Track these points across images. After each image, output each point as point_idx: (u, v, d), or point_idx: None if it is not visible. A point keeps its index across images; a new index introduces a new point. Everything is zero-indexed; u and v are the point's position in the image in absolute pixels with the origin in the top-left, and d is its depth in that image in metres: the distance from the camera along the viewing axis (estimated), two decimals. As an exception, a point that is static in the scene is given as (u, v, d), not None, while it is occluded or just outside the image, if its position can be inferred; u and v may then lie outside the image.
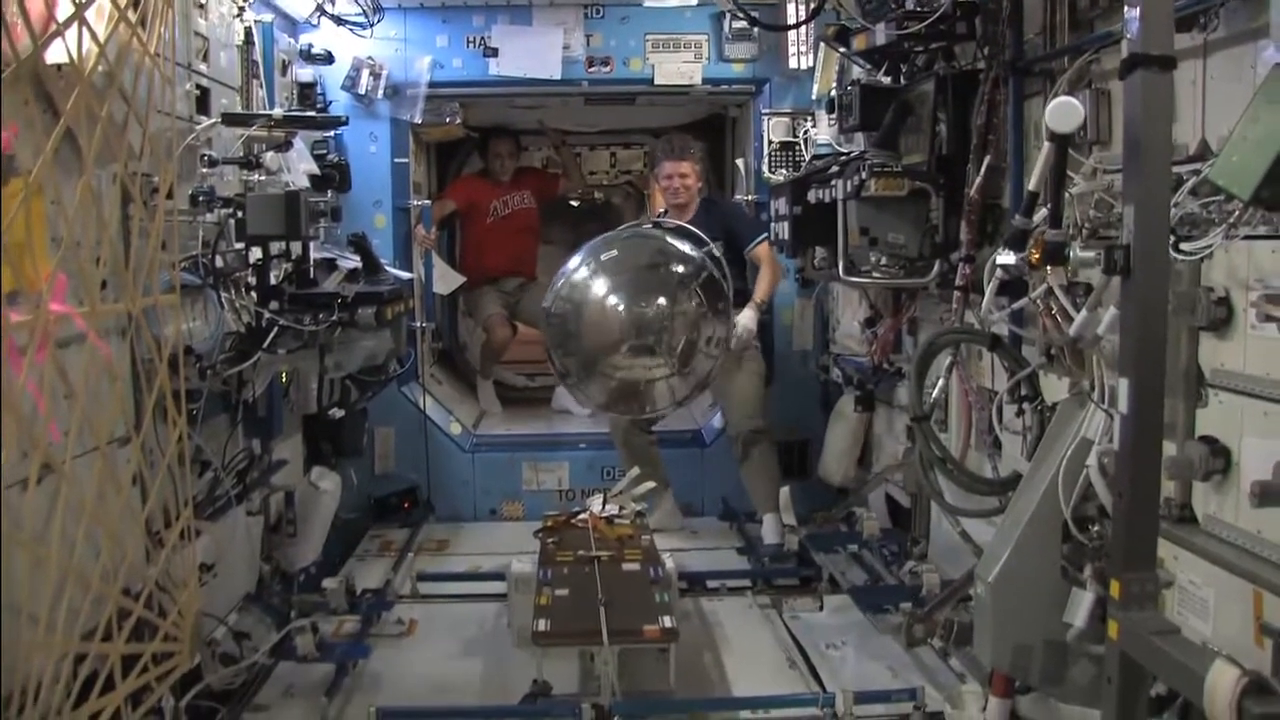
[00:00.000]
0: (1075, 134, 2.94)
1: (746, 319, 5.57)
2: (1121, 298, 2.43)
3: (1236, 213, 2.48)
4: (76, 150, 2.88)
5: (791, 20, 5.72)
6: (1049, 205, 3.01)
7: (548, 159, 8.94)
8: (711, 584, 5.38)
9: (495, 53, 6.36)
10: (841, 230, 4.35)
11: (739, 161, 7.04)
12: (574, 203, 10.03)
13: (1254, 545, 2.61)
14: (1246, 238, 2.55)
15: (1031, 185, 3.02)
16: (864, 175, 4.03)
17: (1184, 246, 2.62)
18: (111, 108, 2.96)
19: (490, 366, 7.98)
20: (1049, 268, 2.96)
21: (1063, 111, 2.79)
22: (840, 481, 6.00)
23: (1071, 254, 2.85)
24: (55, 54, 2.79)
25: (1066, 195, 3.01)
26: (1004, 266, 3.06)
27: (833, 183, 4.42)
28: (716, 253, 5.22)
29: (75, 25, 2.72)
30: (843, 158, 4.74)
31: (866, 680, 4.11)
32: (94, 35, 2.79)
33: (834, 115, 5.08)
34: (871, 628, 4.61)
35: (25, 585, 2.54)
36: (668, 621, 3.81)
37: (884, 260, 4.18)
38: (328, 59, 5.91)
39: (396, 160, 6.51)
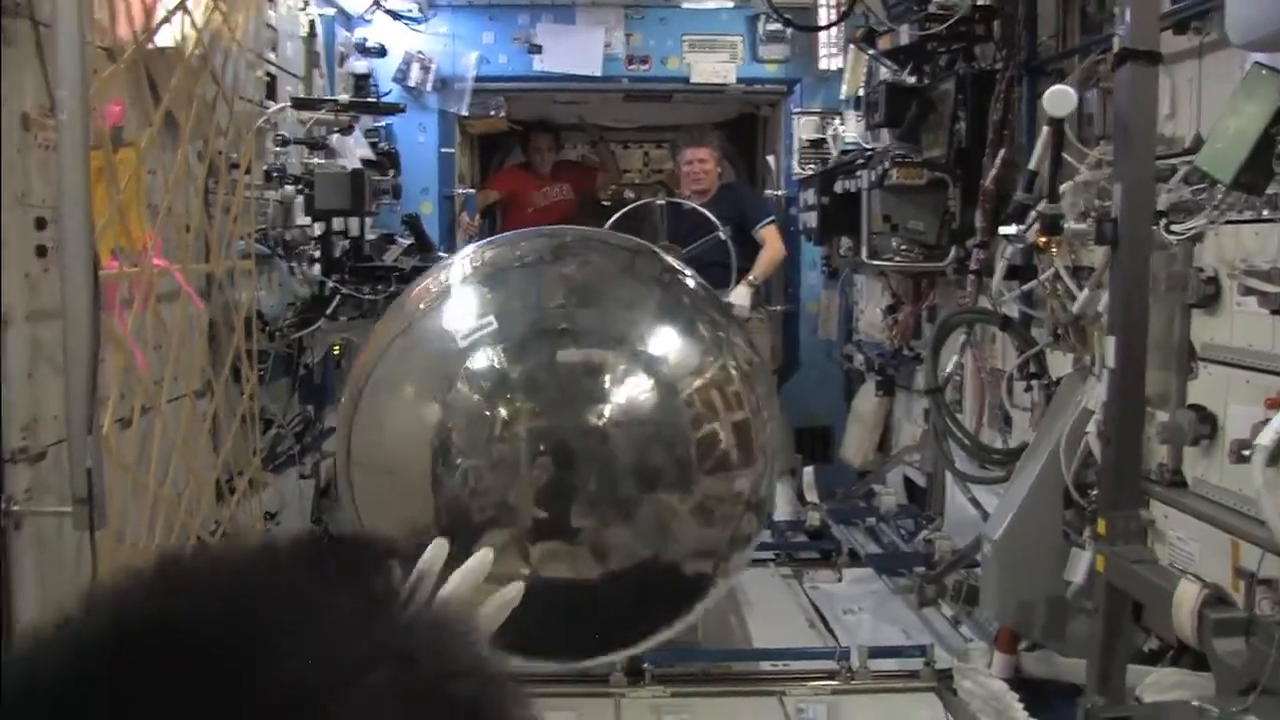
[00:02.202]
0: (1068, 118, 3.21)
1: (740, 294, 5.79)
2: (1110, 265, 2.70)
3: (1220, 197, 2.75)
4: (172, 126, 3.19)
5: (823, 22, 5.98)
6: (1048, 183, 3.28)
7: (583, 155, 9.22)
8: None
9: (539, 50, 6.65)
10: (865, 217, 4.62)
11: (769, 158, 7.30)
12: (606, 202, 10.32)
13: (1233, 502, 2.87)
14: (1232, 222, 2.81)
15: (1032, 164, 3.29)
16: (886, 165, 4.31)
17: (1174, 228, 2.88)
18: (204, 89, 3.27)
19: None
20: (1053, 251, 3.22)
21: (1058, 97, 3.06)
22: (861, 464, 6.24)
23: (1066, 226, 3.11)
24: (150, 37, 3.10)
25: (1072, 183, 3.27)
26: (1006, 236, 3.32)
27: (858, 174, 4.69)
28: (724, 237, 5.47)
29: (178, 13, 3.03)
30: (869, 151, 5.02)
31: (881, 640, 4.35)
32: (193, 22, 3.10)
33: (860, 113, 5.34)
34: (887, 595, 4.86)
35: (124, 508, 2.84)
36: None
37: (904, 246, 4.44)
38: (381, 52, 6.22)
39: (443, 150, 6.81)
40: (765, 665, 4.13)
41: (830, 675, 3.94)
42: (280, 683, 0.52)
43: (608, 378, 2.36)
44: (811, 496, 5.98)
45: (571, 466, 2.40)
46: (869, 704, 3.82)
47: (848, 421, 6.39)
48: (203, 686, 0.51)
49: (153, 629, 0.54)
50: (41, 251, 2.71)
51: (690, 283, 2.49)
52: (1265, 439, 1.97)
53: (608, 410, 2.37)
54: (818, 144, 6.64)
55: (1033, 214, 3.31)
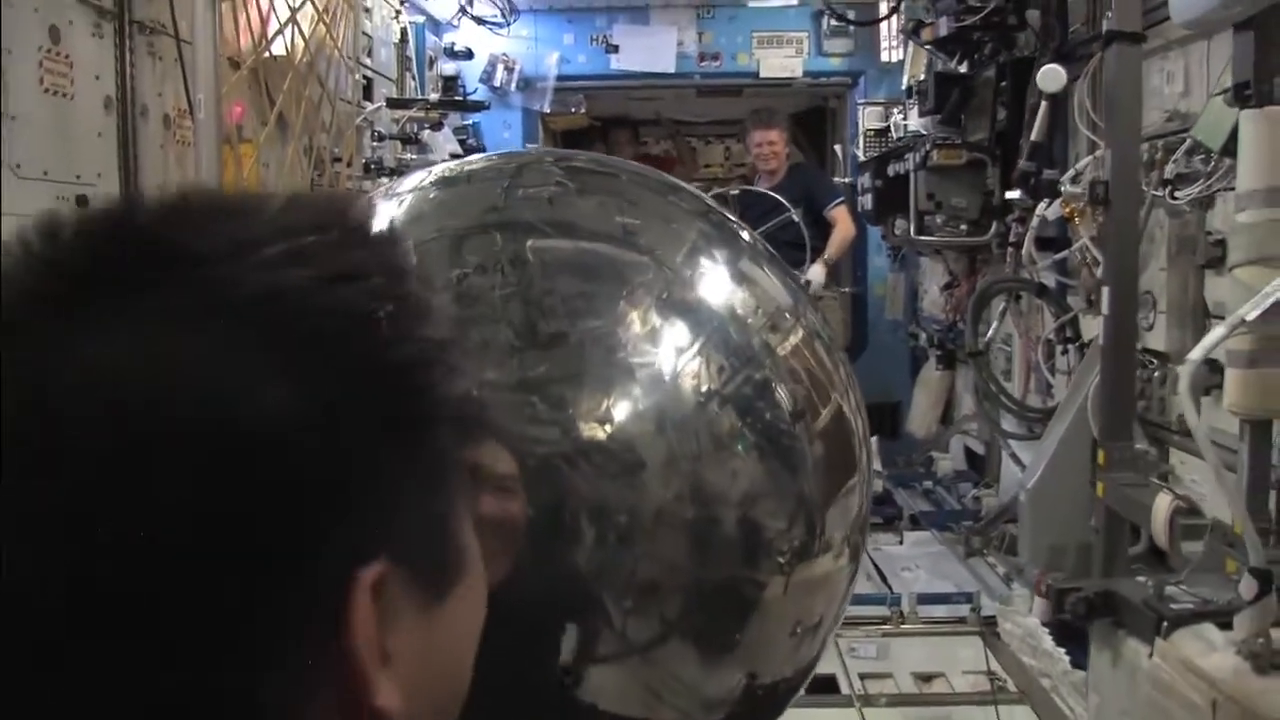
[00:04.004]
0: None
1: (815, 272, 6.03)
2: (1104, 222, 3.06)
3: (1212, 165, 3.08)
4: (283, 125, 3.68)
5: (882, 16, 6.32)
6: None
7: (666, 151, 9.62)
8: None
9: (616, 49, 7.07)
10: (912, 197, 4.97)
11: (837, 147, 7.65)
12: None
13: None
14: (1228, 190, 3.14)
15: (1034, 136, 3.63)
16: (928, 148, 4.67)
17: (1177, 194, 3.21)
18: (310, 92, 3.76)
19: None
20: (1076, 221, 3.56)
21: (1049, 75, 3.43)
22: (924, 436, 6.54)
23: (1063, 189, 3.45)
24: (266, 47, 3.59)
25: (1092, 157, 3.60)
26: (1010, 200, 3.67)
27: (905, 156, 5.06)
28: (795, 218, 5.77)
29: (289, 26, 3.53)
30: (914, 137, 5.38)
31: (933, 591, 4.69)
32: (302, 33, 3.59)
33: (910, 101, 5.69)
34: (944, 555, 5.17)
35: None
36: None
37: (948, 222, 4.80)
38: (468, 55, 6.70)
39: (527, 145, 7.26)
40: (822, 611, 4.46)
41: (883, 620, 4.29)
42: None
43: (625, 301, 1.33)
44: (875, 465, 6.30)
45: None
46: (916, 645, 4.16)
47: (913, 396, 6.70)
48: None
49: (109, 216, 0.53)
50: (178, 233, 3.20)
51: (747, 235, 1.55)
52: (1195, 354, 2.32)
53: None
54: (882, 133, 6.94)
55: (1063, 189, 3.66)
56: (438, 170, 1.70)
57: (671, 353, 1.35)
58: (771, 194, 6.00)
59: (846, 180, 7.29)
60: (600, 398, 1.29)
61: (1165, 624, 2.57)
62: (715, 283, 1.45)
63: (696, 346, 1.36)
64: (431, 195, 1.57)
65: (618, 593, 1.28)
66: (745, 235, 1.58)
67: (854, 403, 1.54)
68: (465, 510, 0.58)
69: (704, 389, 1.34)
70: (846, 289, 7.36)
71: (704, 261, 1.45)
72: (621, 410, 1.29)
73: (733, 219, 1.61)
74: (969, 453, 6.19)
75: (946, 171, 4.73)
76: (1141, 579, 2.76)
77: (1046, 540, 3.82)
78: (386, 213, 1.48)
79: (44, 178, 2.70)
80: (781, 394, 1.41)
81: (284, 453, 0.48)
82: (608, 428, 1.26)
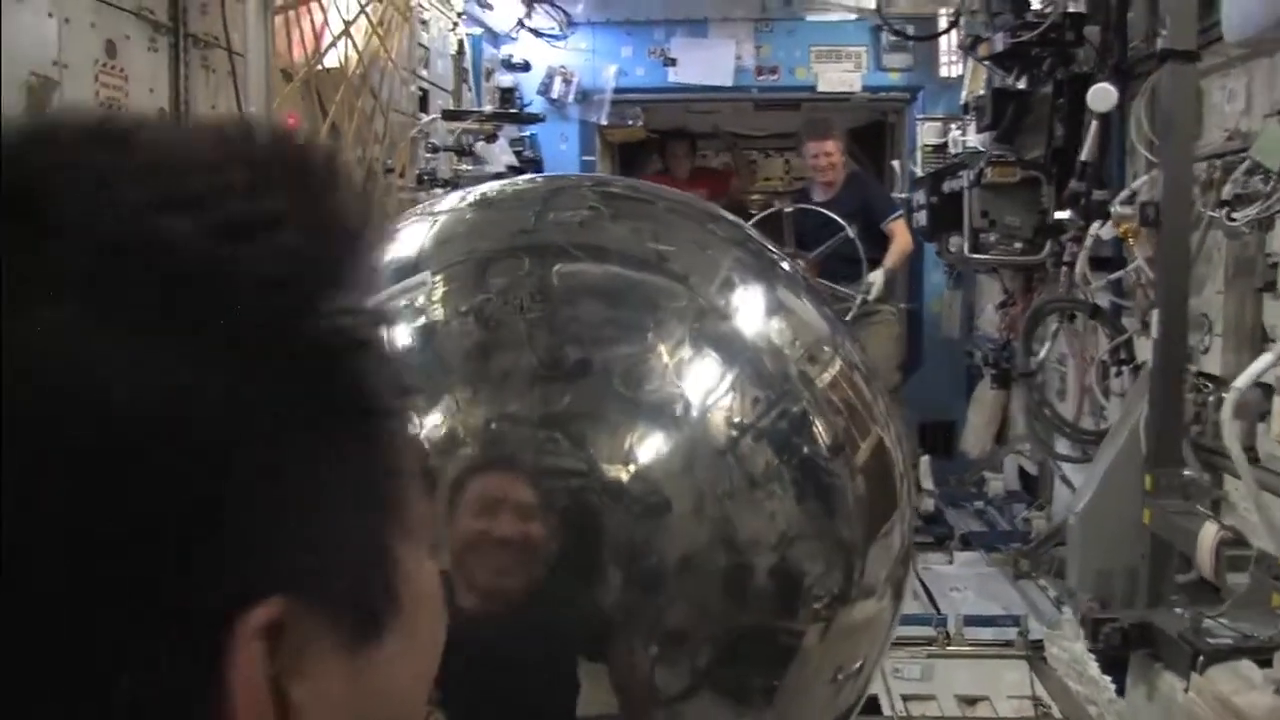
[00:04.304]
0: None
1: (875, 277, 5.80)
2: (1155, 243, 2.94)
3: (1272, 184, 2.94)
4: (336, 136, 3.65)
5: (941, 31, 6.19)
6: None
7: (725, 163, 9.52)
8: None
9: (674, 62, 7.00)
10: (966, 214, 4.84)
11: (895, 163, 7.51)
12: (752, 211, 10.58)
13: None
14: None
15: (1084, 156, 3.51)
16: (982, 165, 4.55)
17: (1235, 215, 3.08)
18: (363, 103, 3.73)
19: None
20: (1131, 242, 3.44)
21: (1100, 95, 3.30)
22: (978, 455, 6.40)
23: (1113, 210, 3.32)
24: (319, 59, 3.57)
25: (1148, 177, 3.47)
26: (1060, 221, 3.54)
27: (960, 173, 4.93)
28: (851, 234, 5.61)
29: (343, 38, 3.50)
30: (970, 154, 5.24)
31: (981, 613, 4.56)
32: (355, 46, 3.56)
33: (967, 116, 5.55)
34: (993, 578, 5.04)
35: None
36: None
37: (1001, 241, 4.67)
38: (525, 67, 6.67)
39: (584, 158, 7.22)
40: (868, 631, 4.36)
41: (928, 641, 4.18)
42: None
43: (654, 329, 1.25)
44: (927, 484, 6.17)
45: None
46: (962, 667, 4.05)
47: (967, 414, 6.56)
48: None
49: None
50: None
51: (787, 264, 1.47)
52: (1241, 380, 2.21)
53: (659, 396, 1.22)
54: (940, 149, 6.81)
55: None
56: (478, 191, 1.65)
57: (702, 385, 1.28)
58: (825, 211, 5.86)
59: (903, 196, 7.17)
60: (625, 435, 1.22)
61: (1201, 659, 2.49)
62: (750, 312, 1.37)
63: (730, 379, 1.29)
64: (466, 217, 1.52)
65: (642, 639, 1.21)
66: (784, 265, 1.50)
67: (894, 435, 1.46)
68: (409, 532, 0.47)
69: (737, 424, 1.27)
70: (903, 305, 7.22)
71: (739, 290, 1.38)
72: (647, 449, 1.21)
73: (772, 248, 1.54)
74: (1023, 473, 6.05)
75: (1001, 189, 4.60)
76: (1180, 611, 2.66)
77: (1095, 565, 3.70)
78: (418, 234, 1.43)
79: None
80: (820, 428, 1.34)
81: (139, 458, 0.37)
82: (631, 468, 1.19)
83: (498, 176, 4.85)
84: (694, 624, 1.23)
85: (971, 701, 3.95)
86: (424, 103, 4.94)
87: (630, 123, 7.41)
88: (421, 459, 0.57)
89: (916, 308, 7.25)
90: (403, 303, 1.29)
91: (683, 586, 1.20)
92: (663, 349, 1.27)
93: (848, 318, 5.37)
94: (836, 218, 5.60)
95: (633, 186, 1.57)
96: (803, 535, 1.29)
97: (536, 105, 6.85)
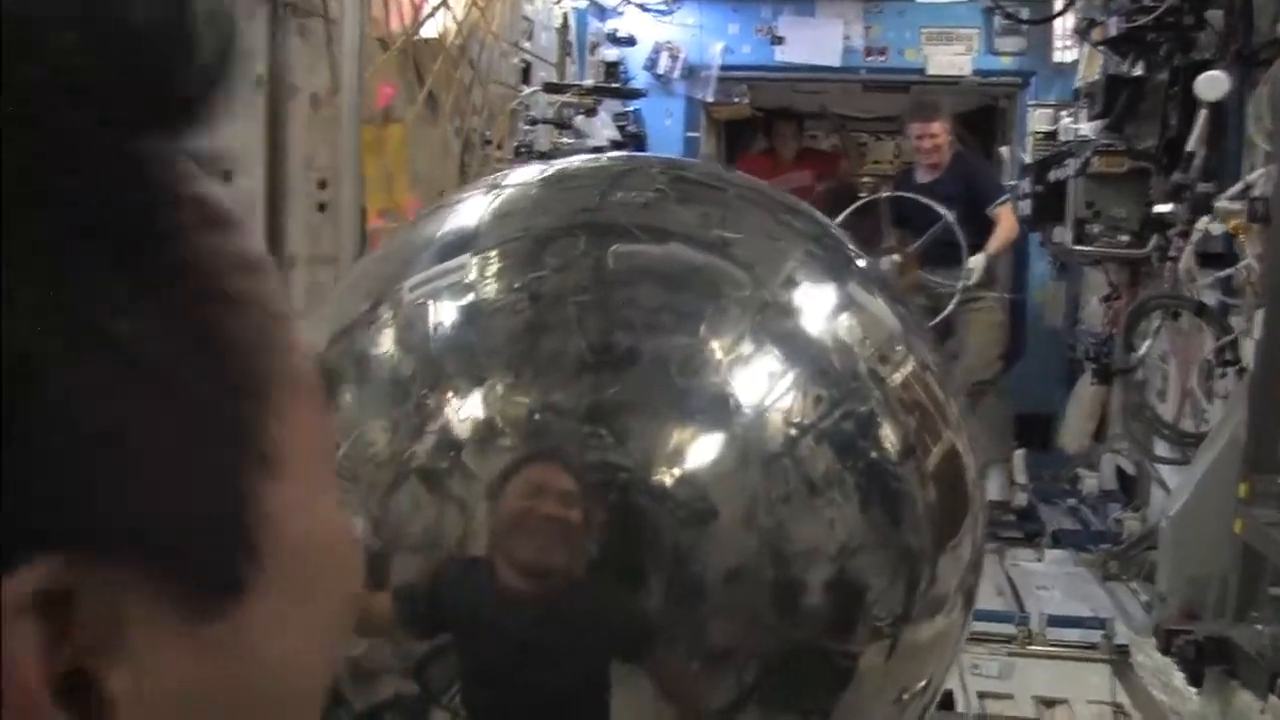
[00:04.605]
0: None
1: (976, 261, 5.55)
2: (1263, 241, 2.73)
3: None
4: (435, 106, 3.59)
5: (1055, 14, 5.91)
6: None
7: (834, 145, 9.29)
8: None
9: (781, 40, 6.84)
10: (1070, 204, 4.61)
11: (1004, 150, 7.24)
12: (861, 194, 10.35)
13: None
14: None
15: (1189, 147, 3.28)
16: (1089, 154, 4.31)
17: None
18: (462, 74, 3.66)
19: None
20: (1241, 238, 3.21)
21: (1209, 83, 3.07)
22: (1075, 452, 6.16)
23: (1218, 205, 3.10)
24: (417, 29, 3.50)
25: (1263, 170, 3.24)
26: (1159, 214, 3.32)
27: (1066, 162, 4.69)
28: (950, 218, 5.35)
29: (441, 9, 3.43)
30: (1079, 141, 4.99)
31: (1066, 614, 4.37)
32: (454, 17, 3.49)
33: (1079, 103, 5.29)
34: (1082, 578, 4.83)
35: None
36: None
37: (1105, 233, 4.43)
38: (631, 42, 6.56)
39: (688, 134, 7.10)
40: (948, 624, 4.21)
41: (1009, 639, 4.02)
42: None
43: (712, 317, 1.14)
44: (1021, 479, 5.96)
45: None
46: (1043, 668, 3.89)
47: (1066, 409, 6.32)
48: None
49: None
50: (321, 207, 3.15)
51: (864, 261, 1.34)
52: None
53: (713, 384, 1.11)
54: (1051, 136, 6.54)
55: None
56: (553, 166, 1.56)
57: (761, 381, 1.16)
58: (921, 198, 5.63)
59: (1011, 184, 6.91)
60: (673, 432, 1.11)
61: (1278, 679, 2.33)
62: (818, 305, 1.25)
63: (791, 375, 1.17)
64: (532, 192, 1.42)
65: (683, 649, 1.11)
66: (861, 261, 1.37)
67: (967, 439, 1.32)
68: (276, 466, 0.34)
69: (797, 424, 1.15)
70: (1007, 294, 6.96)
71: (808, 282, 1.25)
72: (697, 448, 1.10)
73: (851, 245, 1.41)
74: (1120, 473, 5.80)
75: (1107, 179, 4.36)
76: (1260, 627, 2.47)
77: (1186, 572, 3.50)
78: (478, 207, 1.35)
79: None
80: (888, 430, 1.21)
81: None
82: (678, 470, 1.08)
83: (597, 151, 4.76)
84: (740, 638, 1.12)
85: (1050, 703, 3.79)
86: (526, 75, 4.87)
87: (736, 100, 7.27)
88: (298, 363, 0.38)
89: (1021, 297, 7.00)
90: (453, 279, 1.21)
91: (728, 598, 1.09)
92: (720, 340, 1.16)
93: (950, 306, 5.17)
94: (934, 204, 5.36)
95: (707, 172, 1.46)
96: (865, 546, 1.17)
97: (642, 80, 6.74)
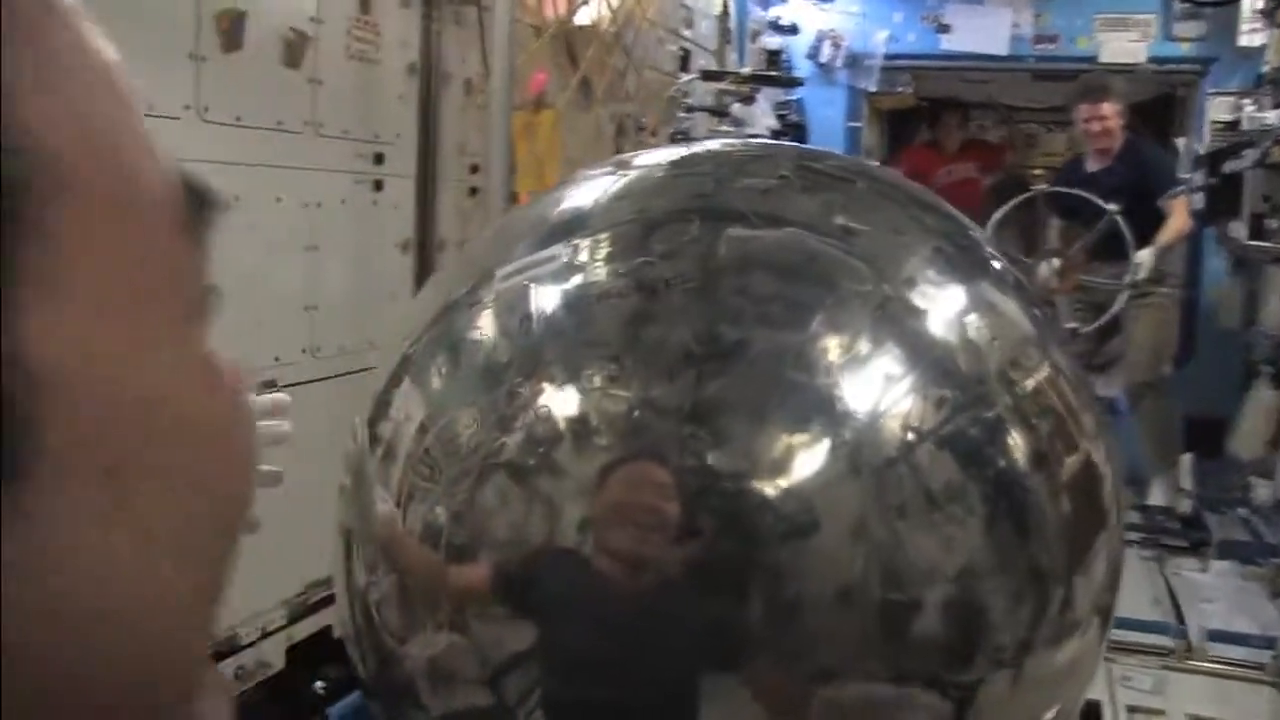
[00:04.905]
0: None
1: (1144, 255, 5.15)
2: None
3: None
4: (588, 92, 3.54)
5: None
6: None
7: (1002, 137, 8.89)
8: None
9: (947, 29, 6.56)
10: (1246, 198, 4.26)
11: (1179, 141, 6.80)
12: (1031, 188, 9.91)
13: None
14: None
15: None
16: (1269, 144, 3.96)
17: None
18: (616, 60, 3.60)
19: None
20: None
21: None
22: (1249, 459, 5.74)
23: None
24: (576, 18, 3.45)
25: None
26: None
27: (1243, 153, 4.33)
28: (1113, 212, 4.98)
29: (596, -5, 3.37)
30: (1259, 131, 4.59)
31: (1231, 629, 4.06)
32: (609, 4, 3.42)
33: (1262, 90, 4.88)
34: (1253, 593, 4.49)
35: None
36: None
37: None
38: (793, 30, 6.39)
39: (850, 124, 6.90)
40: (1100, 631, 3.97)
41: (1165, 652, 3.76)
42: None
43: (828, 311, 1.04)
44: (1186, 484, 5.59)
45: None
46: (1199, 685, 3.62)
47: (1241, 414, 5.89)
48: None
49: None
50: (472, 192, 3.13)
51: (1000, 264, 1.21)
52: None
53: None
54: (1232, 126, 6.10)
55: None
56: (684, 148, 1.47)
57: (878, 380, 1.05)
58: (1083, 194, 5.26)
59: (1185, 176, 6.48)
60: (778, 434, 1.00)
61: None
62: (945, 303, 1.12)
63: (912, 376, 1.06)
64: (655, 174, 1.34)
65: (778, 670, 1.00)
66: (996, 263, 1.24)
67: (1105, 452, 1.18)
68: (55, 287, 0.26)
69: (915, 429, 1.03)
70: (1177, 290, 6.53)
71: (934, 279, 1.13)
72: (802, 453, 0.99)
73: (989, 248, 1.27)
74: (1299, 482, 5.38)
75: (1289, 172, 4.01)
76: None
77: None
78: (598, 187, 1.27)
79: (344, 136, 2.69)
80: (1018, 438, 1.08)
81: None
82: (780, 478, 0.98)
83: (752, 139, 4.65)
84: (843, 662, 1.01)
85: (1208, 724, 3.52)
86: (685, 63, 4.78)
87: (900, 90, 7.03)
88: (84, 165, 0.27)
89: (1193, 295, 6.56)
90: (558, 262, 1.13)
91: (831, 617, 0.98)
92: (835, 336, 1.06)
93: (1116, 304, 4.86)
94: (1095, 199, 5.01)
95: (840, 164, 1.34)
96: (989, 565, 1.05)
97: (804, 69, 6.56)
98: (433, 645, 1.04)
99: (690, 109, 4.52)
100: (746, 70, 4.76)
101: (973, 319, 1.12)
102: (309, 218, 2.60)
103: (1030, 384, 1.11)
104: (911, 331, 1.08)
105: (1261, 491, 5.04)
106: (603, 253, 1.15)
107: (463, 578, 1.01)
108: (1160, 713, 3.50)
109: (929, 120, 8.13)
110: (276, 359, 2.49)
